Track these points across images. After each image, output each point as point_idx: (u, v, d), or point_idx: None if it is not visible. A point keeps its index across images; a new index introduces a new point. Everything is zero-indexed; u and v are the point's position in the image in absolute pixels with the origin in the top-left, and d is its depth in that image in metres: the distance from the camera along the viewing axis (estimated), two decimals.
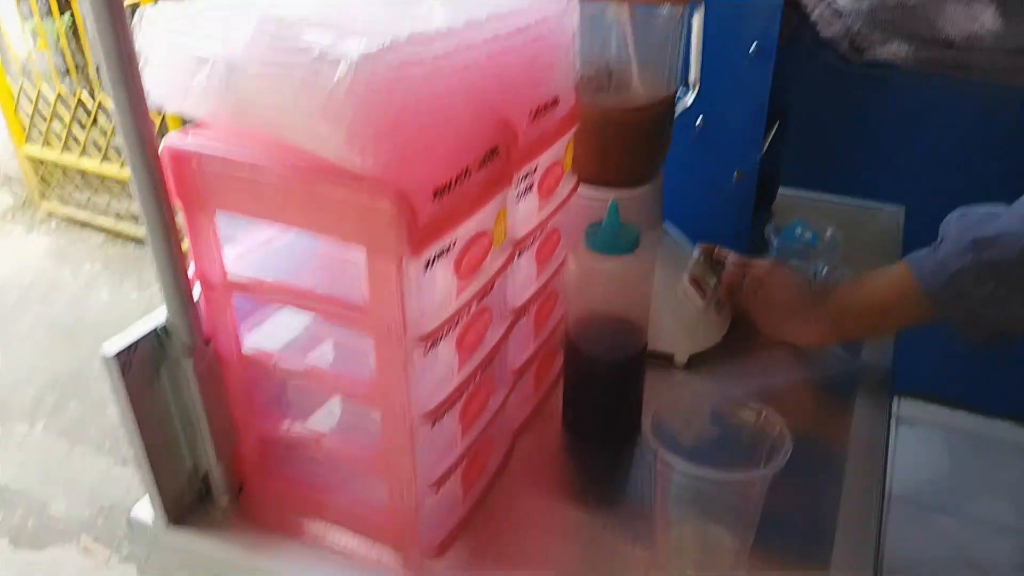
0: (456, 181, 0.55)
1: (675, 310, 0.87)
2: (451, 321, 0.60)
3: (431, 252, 0.55)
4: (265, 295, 0.62)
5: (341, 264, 0.66)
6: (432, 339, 0.58)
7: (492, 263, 0.65)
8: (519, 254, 0.71)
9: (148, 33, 0.54)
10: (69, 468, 1.99)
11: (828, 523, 0.70)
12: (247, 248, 0.66)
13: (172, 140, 0.57)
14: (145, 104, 0.54)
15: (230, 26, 0.52)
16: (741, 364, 0.90)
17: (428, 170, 0.53)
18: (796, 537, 0.70)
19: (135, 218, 2.95)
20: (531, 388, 0.82)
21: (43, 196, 3.17)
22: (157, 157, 0.55)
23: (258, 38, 0.51)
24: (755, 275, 0.91)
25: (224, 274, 0.62)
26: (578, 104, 0.73)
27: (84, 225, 3.07)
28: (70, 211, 3.09)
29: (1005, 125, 1.66)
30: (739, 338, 0.93)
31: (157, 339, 0.63)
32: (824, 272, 0.96)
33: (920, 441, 1.99)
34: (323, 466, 0.74)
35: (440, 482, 0.66)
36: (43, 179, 3.13)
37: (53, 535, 1.82)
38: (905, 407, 2.05)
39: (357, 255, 0.56)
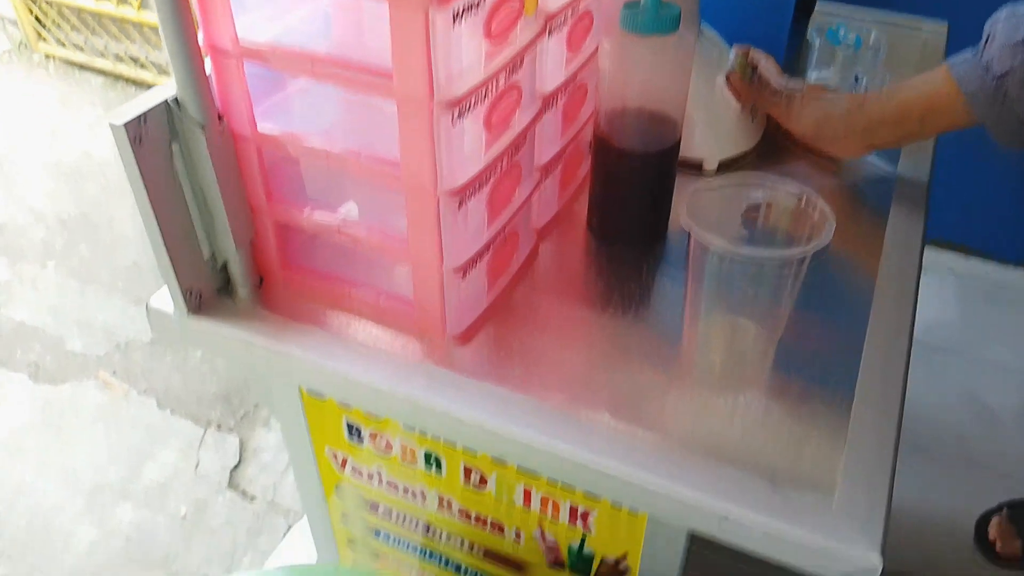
0: None
1: (707, 113, 0.83)
2: (479, 91, 0.57)
3: (459, 1, 0.51)
4: (280, 63, 0.58)
5: (358, 40, 0.61)
6: (460, 107, 0.55)
7: (522, 33, 0.60)
8: (550, 33, 0.66)
9: None
10: (82, 307, 2.00)
11: (856, 337, 0.69)
12: (258, 19, 0.61)
13: None
14: None
15: None
16: (772, 172, 0.86)
17: None
18: (824, 345, 0.68)
19: (134, 60, 2.85)
20: (556, 190, 0.79)
21: (39, 38, 3.05)
22: None
23: None
24: (791, 90, 0.86)
25: (235, 39, 0.58)
26: None
27: (83, 68, 2.97)
28: (68, 53, 2.98)
29: None
30: (771, 147, 0.89)
31: (168, 111, 0.60)
32: (864, 81, 0.91)
33: (931, 286, 1.98)
34: (345, 257, 0.73)
35: (466, 268, 0.64)
36: (38, 19, 3.00)
37: (71, 370, 1.85)
38: None
39: (376, 27, 0.52)
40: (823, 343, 0.68)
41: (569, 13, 0.68)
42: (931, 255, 2.05)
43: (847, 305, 0.72)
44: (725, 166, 0.86)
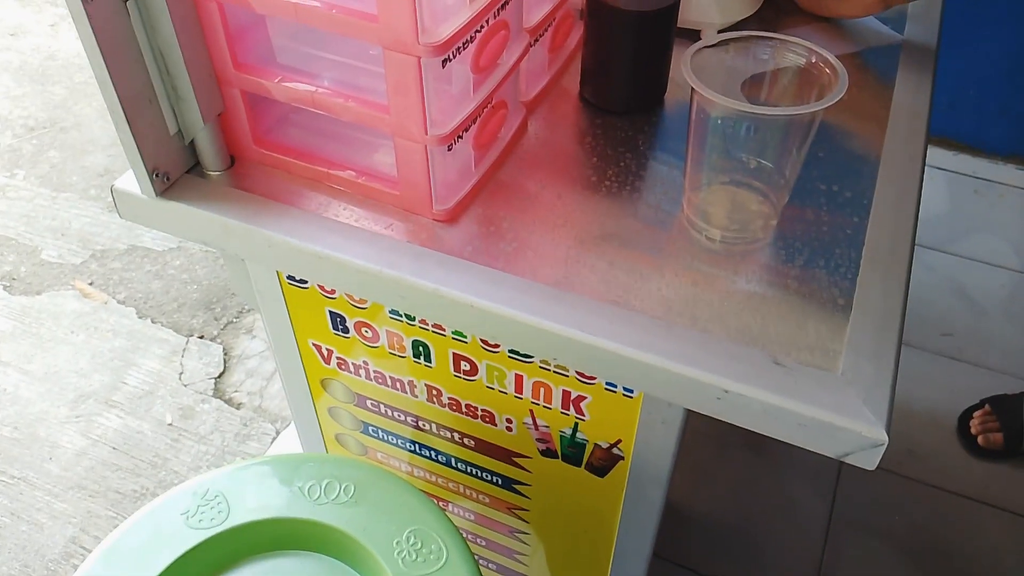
0: None
1: None
2: None
3: None
4: None
5: None
6: None
7: None
8: None
9: None
10: (56, 215, 1.94)
11: (861, 210, 0.65)
12: None
13: None
14: None
15: None
16: None
17: None
18: (827, 219, 0.65)
19: None
20: (545, 60, 0.74)
21: None
22: None
23: None
24: None
25: None
26: None
27: None
28: None
29: None
30: (774, 11, 0.84)
31: None
32: None
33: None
34: (323, 135, 0.68)
35: (451, 138, 0.60)
36: None
37: (47, 280, 1.80)
38: None
39: None
40: (827, 216, 0.65)
41: None
42: None
43: (852, 177, 0.68)
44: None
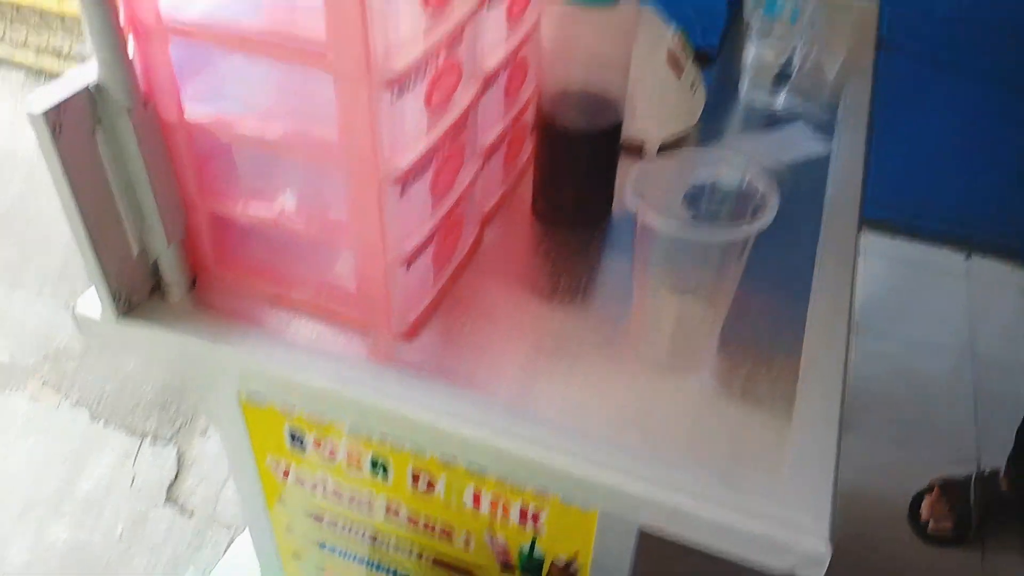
0: None
1: (647, 91, 0.82)
2: (419, 67, 0.55)
3: None
4: (208, 39, 0.55)
5: (290, 16, 0.59)
6: (399, 84, 0.53)
7: (460, 5, 0.58)
8: (489, 6, 0.64)
9: None
10: (10, 314, 1.91)
11: (799, 314, 0.69)
12: None
13: None
14: None
15: None
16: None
17: None
18: (767, 324, 0.68)
19: (57, 53, 2.74)
20: (500, 174, 0.78)
21: None
22: None
23: None
24: None
25: (158, 16, 0.55)
26: None
27: (2, 62, 2.84)
28: None
29: None
30: (712, 122, 0.89)
31: (90, 98, 0.57)
32: (802, 53, 0.92)
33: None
34: (284, 251, 0.70)
35: (411, 259, 0.62)
36: None
37: None
38: None
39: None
40: (767, 322, 0.68)
41: None
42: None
43: (789, 284, 0.71)
44: (667, 148, 0.85)
